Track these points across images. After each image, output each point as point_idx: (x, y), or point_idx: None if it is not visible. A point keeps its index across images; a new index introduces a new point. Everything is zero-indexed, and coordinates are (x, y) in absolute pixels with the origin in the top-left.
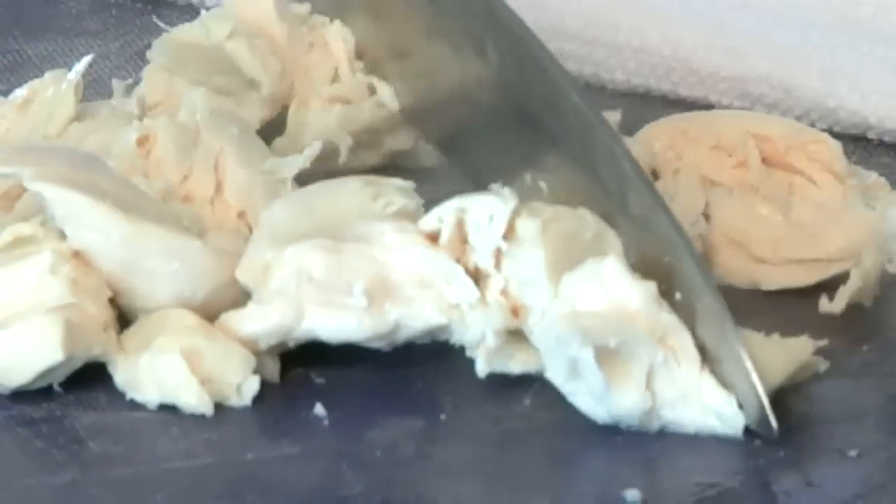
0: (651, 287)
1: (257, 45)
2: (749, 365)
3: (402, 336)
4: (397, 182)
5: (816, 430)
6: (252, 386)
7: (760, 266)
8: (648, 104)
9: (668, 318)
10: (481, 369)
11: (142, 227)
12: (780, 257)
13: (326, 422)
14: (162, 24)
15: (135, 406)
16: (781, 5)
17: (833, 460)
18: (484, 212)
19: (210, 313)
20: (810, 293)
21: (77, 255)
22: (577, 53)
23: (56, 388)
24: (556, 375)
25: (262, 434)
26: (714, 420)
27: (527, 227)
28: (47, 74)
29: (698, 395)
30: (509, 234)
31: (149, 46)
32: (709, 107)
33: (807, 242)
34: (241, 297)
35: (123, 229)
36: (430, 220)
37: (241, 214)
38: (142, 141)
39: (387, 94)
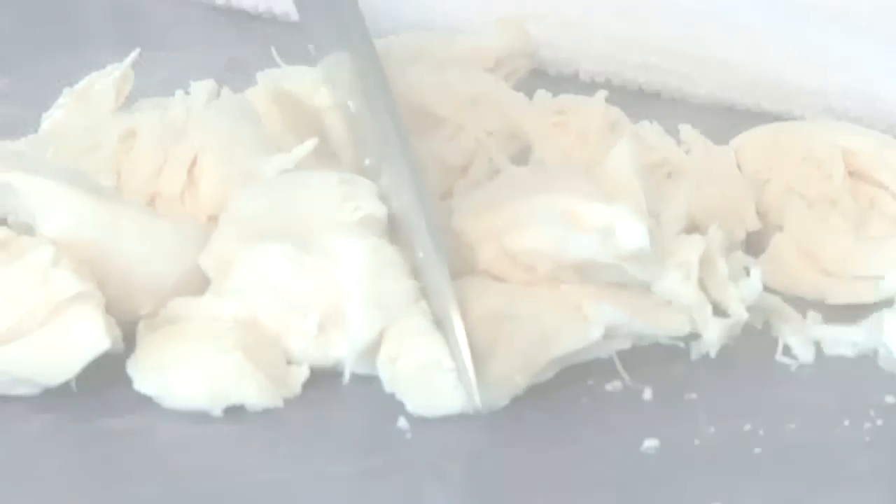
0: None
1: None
2: (462, 338)
3: (346, 372)
4: (370, 184)
5: None
6: (303, 372)
7: (828, 279)
8: (733, 118)
9: None
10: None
11: (113, 209)
12: (847, 273)
13: (409, 434)
14: (277, 58)
15: (219, 419)
16: (866, 18)
17: None
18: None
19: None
20: (874, 309)
21: (69, 248)
22: (662, 66)
23: (73, 387)
24: None
25: (345, 447)
26: None
27: None
28: (108, 67)
29: None
30: None
31: (232, 59)
32: (793, 120)
33: (875, 260)
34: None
35: (95, 210)
36: None
37: (212, 218)
38: (128, 135)
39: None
